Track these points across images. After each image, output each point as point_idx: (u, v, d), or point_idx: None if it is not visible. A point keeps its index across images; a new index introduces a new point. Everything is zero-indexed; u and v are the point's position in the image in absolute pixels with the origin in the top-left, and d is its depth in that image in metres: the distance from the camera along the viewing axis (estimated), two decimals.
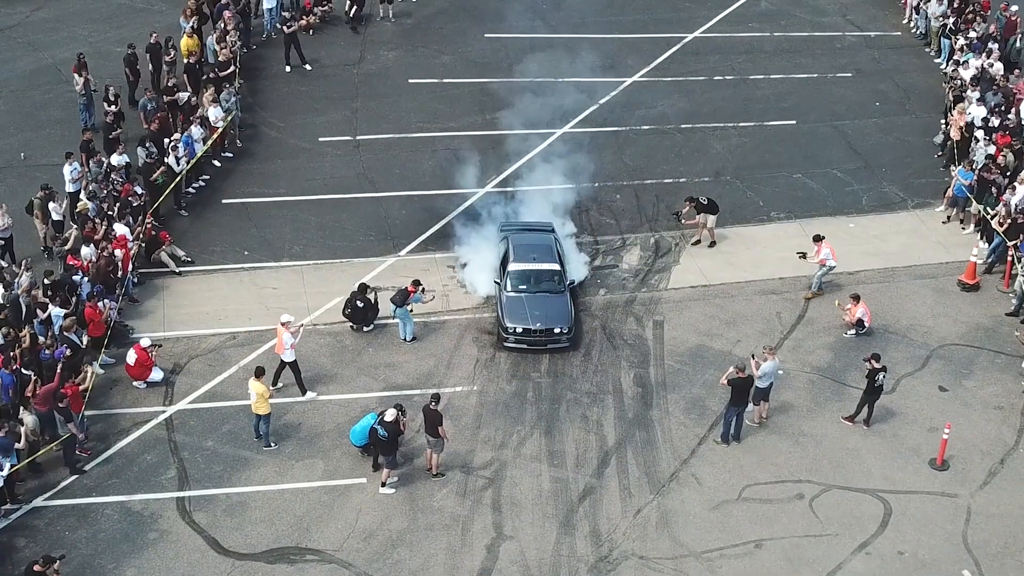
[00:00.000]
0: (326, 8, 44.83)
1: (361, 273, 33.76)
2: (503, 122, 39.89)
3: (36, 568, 24.30)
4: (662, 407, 30.28)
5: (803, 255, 33.30)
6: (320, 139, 38.74)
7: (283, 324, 29.56)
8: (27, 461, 26.79)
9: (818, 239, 33.22)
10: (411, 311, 31.48)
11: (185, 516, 26.82)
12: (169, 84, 37.75)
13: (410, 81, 42.00)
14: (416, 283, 31.27)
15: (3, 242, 32.62)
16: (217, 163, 37.73)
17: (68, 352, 28.27)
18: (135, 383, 29.88)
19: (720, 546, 26.81)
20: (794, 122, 41.48)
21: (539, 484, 28.05)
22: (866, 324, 32.52)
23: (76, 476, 27.51)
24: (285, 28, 41.54)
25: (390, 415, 27.27)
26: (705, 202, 35.41)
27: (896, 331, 32.81)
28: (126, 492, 27.25)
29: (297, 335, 29.57)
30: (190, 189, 36.56)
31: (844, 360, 31.76)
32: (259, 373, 28.03)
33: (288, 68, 41.96)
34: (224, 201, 36.44)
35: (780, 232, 36.47)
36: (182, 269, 33.69)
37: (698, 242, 35.76)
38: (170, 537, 26.31)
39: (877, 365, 29.33)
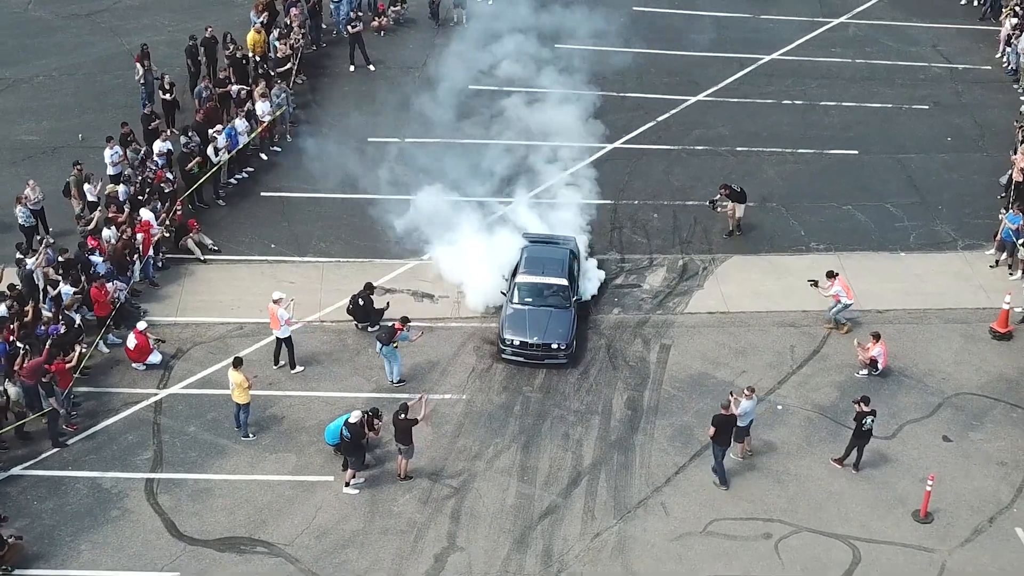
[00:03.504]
0: (399, 9, 45.22)
1: (379, 274, 34.11)
2: (555, 132, 39.71)
3: None
4: (647, 432, 29.88)
5: (814, 283, 32.37)
6: (369, 139, 39.09)
7: (275, 301, 30.12)
8: (8, 429, 27.61)
9: (831, 275, 32.39)
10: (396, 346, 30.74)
11: (151, 497, 27.48)
12: (222, 76, 38.58)
13: (470, 87, 42.06)
14: (404, 320, 30.77)
15: (34, 216, 33.63)
16: (264, 156, 38.50)
17: (63, 330, 29.10)
18: (134, 365, 30.64)
19: None
20: (856, 152, 40.47)
21: (503, 498, 27.97)
22: (880, 365, 31.55)
23: (57, 449, 28.34)
24: (349, 28, 42.08)
25: (355, 417, 27.55)
26: (738, 190, 35.51)
27: (912, 375, 31.77)
28: (100, 469, 28.02)
29: (290, 310, 29.94)
30: (232, 180, 37.36)
31: (848, 401, 30.77)
32: (237, 363, 28.59)
33: (352, 68, 42.57)
34: (263, 194, 37.19)
35: (815, 264, 35.52)
36: (207, 257, 34.46)
37: (731, 233, 35.70)
38: (131, 516, 27.00)
39: (865, 408, 28.47)
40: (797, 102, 42.97)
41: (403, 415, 27.60)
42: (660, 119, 41.66)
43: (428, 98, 40.83)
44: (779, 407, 30.73)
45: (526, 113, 40.65)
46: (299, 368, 30.46)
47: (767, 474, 28.87)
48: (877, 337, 31.50)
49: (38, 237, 33.07)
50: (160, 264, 33.95)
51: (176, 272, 34.08)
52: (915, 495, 28.26)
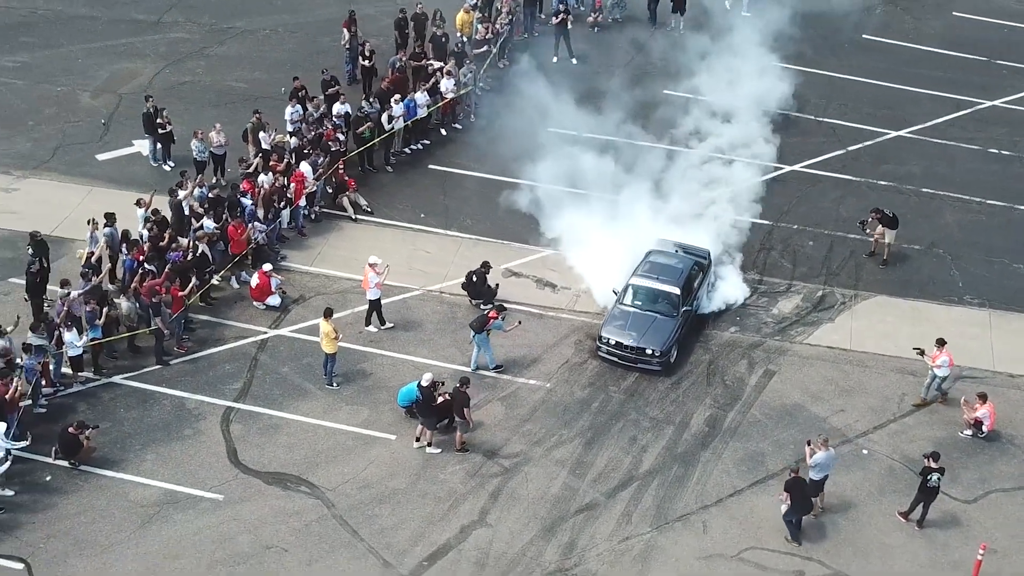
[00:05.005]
0: (617, 10, 45.72)
1: (513, 257, 35.01)
2: (735, 146, 39.48)
3: (70, 430, 27.64)
4: (717, 451, 29.62)
5: (920, 352, 30.81)
6: (549, 129, 39.80)
7: (371, 265, 31.43)
8: (116, 339, 29.98)
9: (941, 343, 30.59)
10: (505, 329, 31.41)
11: (224, 424, 29.36)
12: (418, 51, 40.26)
13: (664, 91, 42.23)
14: (500, 308, 31.41)
15: (214, 159, 36.25)
16: (444, 132, 39.96)
17: (187, 258, 31.33)
18: (255, 303, 32.67)
19: None
20: None
21: (548, 487, 28.37)
22: (986, 428, 30.13)
23: (159, 366, 30.62)
24: (555, 19, 42.96)
25: (425, 379, 28.61)
26: (890, 215, 34.74)
27: (1019, 444, 30.13)
28: (190, 390, 30.12)
29: (382, 275, 31.28)
30: (406, 149, 39.00)
31: (943, 459, 29.32)
32: (328, 314, 30.06)
33: (555, 59, 43.41)
34: (430, 166, 38.65)
35: (963, 318, 34.19)
36: (359, 217, 36.15)
37: (872, 253, 35.17)
38: (200, 438, 28.95)
39: (933, 465, 27.36)
40: (1004, 152, 41.05)
41: (463, 386, 28.36)
42: (851, 148, 40.65)
43: (618, 97, 41.21)
44: (865, 451, 29.82)
45: (712, 124, 40.49)
46: (385, 327, 31.64)
47: (826, 514, 28.09)
48: (984, 398, 30.07)
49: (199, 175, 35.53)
50: (312, 216, 35.85)
51: (326, 226, 35.90)
52: (972, 563, 26.85)
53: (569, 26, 43.47)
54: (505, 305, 31.66)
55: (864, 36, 46.84)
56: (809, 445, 27.66)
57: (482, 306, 33.13)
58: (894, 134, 41.51)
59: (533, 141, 38.83)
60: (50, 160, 37.44)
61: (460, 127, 40.25)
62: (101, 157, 37.85)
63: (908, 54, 45.99)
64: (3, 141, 38.10)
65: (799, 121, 41.48)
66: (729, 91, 42.04)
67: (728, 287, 34.21)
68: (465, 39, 41.58)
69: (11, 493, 26.94)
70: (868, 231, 35.31)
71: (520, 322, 31.80)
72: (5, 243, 33.66)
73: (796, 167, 39.51)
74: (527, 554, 26.73)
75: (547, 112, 40.26)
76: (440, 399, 28.66)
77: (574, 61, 43.50)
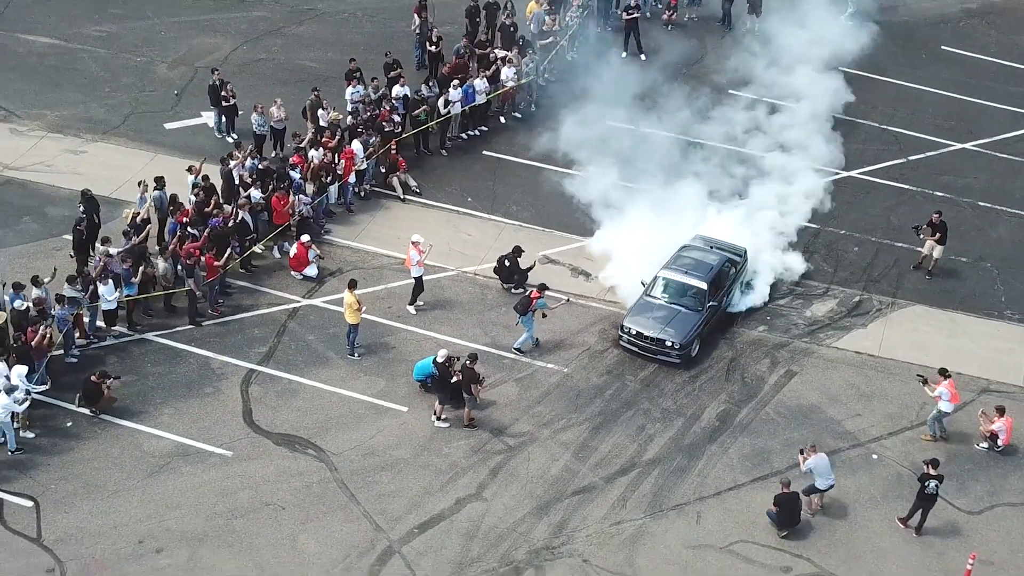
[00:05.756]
0: (693, 9, 45.85)
1: (552, 244, 35.49)
2: (794, 149, 39.40)
3: (93, 379, 28.93)
4: (724, 445, 29.78)
5: (923, 380, 30.13)
6: (607, 122, 40.11)
7: (413, 243, 32.18)
8: (141, 297, 31.23)
9: (944, 374, 29.78)
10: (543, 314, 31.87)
11: (244, 385, 30.38)
12: (483, 39, 40.95)
13: (729, 91, 42.26)
14: (542, 287, 31.85)
15: (273, 133, 37.38)
16: (503, 120, 40.56)
17: (227, 225, 32.45)
18: (292, 273, 33.68)
19: None
20: None
21: (549, 467, 28.83)
22: (1001, 441, 29.80)
23: (191, 327, 31.79)
24: (624, 15, 43.27)
25: (441, 355, 29.29)
26: (941, 224, 34.48)
27: None
28: (216, 351, 31.21)
29: (423, 254, 31.97)
30: (463, 135, 39.69)
31: (954, 469, 29.37)
32: (352, 285, 30.92)
33: (624, 54, 43.69)
34: (484, 152, 39.30)
35: (1000, 332, 33.78)
36: (407, 197, 36.96)
37: (919, 266, 35.01)
38: (219, 396, 30.02)
39: (932, 472, 27.17)
40: None
41: (470, 362, 28.96)
42: (912, 158, 40.25)
43: (681, 94, 41.34)
44: (874, 456, 29.71)
45: (773, 125, 40.39)
46: (414, 308, 32.41)
47: (824, 513, 28.10)
48: (1003, 411, 29.72)
49: (251, 145, 36.63)
50: (362, 194, 36.77)
51: (374, 204, 36.79)
52: (963, 573, 26.66)
53: (640, 22, 43.50)
54: (546, 285, 32.01)
55: (943, 47, 46.12)
56: (802, 454, 27.71)
57: (513, 290, 33.59)
58: (958, 146, 40.97)
59: (590, 133, 39.17)
60: (120, 126, 38.94)
61: (519, 116, 40.78)
62: (169, 126, 39.21)
63: (986, 67, 45.22)
64: (79, 106, 39.67)
65: (863, 127, 41.18)
66: (795, 94, 41.80)
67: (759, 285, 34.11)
68: (533, 30, 41.99)
69: (32, 435, 28.27)
70: (922, 236, 34.83)
71: (568, 299, 32.24)
72: (65, 201, 35.12)
73: (853, 173, 39.27)
74: (517, 530, 27.23)
75: (607, 105, 40.54)
76: (455, 377, 29.17)
77: (642, 57, 43.71)
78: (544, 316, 31.79)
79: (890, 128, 41.41)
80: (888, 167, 39.81)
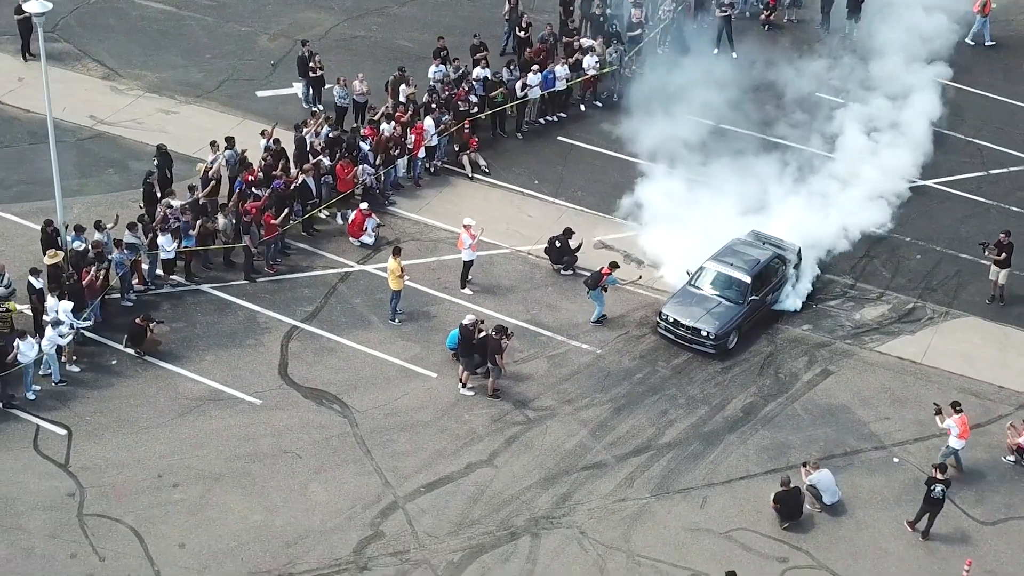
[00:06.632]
0: (793, 11, 45.74)
1: (610, 231, 35.98)
2: (872, 155, 39.11)
3: (137, 321, 30.53)
4: (743, 436, 29.96)
5: (938, 409, 29.28)
6: (687, 116, 40.26)
7: (465, 226, 33.03)
8: (198, 249, 32.70)
9: (956, 408, 28.99)
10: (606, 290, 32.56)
11: (285, 339, 31.64)
12: (572, 28, 41.64)
13: (816, 94, 42.09)
14: (613, 265, 32.46)
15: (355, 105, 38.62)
16: (582, 107, 41.16)
17: (288, 187, 33.77)
18: (350, 239, 34.87)
19: (659, 558, 26.77)
20: None
21: (563, 442, 29.41)
22: None
23: (246, 282, 33.20)
24: (719, 12, 43.44)
25: (468, 319, 30.11)
26: (1008, 244, 33.69)
27: None
28: (264, 306, 32.55)
29: (475, 237, 32.77)
30: (541, 120, 40.41)
31: (975, 480, 29.12)
32: (396, 252, 31.94)
33: (716, 51, 43.84)
34: (559, 138, 39.94)
35: None
36: (475, 176, 37.85)
37: (992, 298, 34.30)
38: (259, 348, 31.33)
39: (939, 476, 26.99)
40: None
41: (496, 334, 29.69)
42: (993, 172, 39.62)
43: (766, 94, 41.46)
44: (896, 459, 29.55)
45: (853, 130, 40.12)
46: (466, 291, 33.24)
47: (832, 510, 28.12)
48: None
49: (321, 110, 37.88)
50: (432, 169, 37.77)
51: (442, 180, 37.75)
52: None
53: (733, 20, 43.63)
54: (617, 263, 32.68)
55: None
56: (805, 467, 27.78)
57: (563, 271, 34.19)
58: None
59: (669, 126, 39.42)
60: (214, 91, 40.61)
61: (600, 104, 41.26)
62: (261, 94, 40.75)
63: None
64: (179, 70, 41.49)
65: (947, 138, 40.61)
66: (882, 101, 41.43)
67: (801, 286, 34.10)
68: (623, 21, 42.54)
69: (78, 370, 29.95)
70: (987, 253, 34.27)
71: (640, 277, 33.14)
72: (149, 157, 36.58)
73: (929, 182, 38.84)
74: (521, 497, 27.87)
75: (691, 101, 40.73)
76: (480, 334, 29.81)
77: (734, 55, 43.75)
78: (605, 291, 32.37)
79: (975, 141, 40.77)
80: (966, 179, 39.26)
